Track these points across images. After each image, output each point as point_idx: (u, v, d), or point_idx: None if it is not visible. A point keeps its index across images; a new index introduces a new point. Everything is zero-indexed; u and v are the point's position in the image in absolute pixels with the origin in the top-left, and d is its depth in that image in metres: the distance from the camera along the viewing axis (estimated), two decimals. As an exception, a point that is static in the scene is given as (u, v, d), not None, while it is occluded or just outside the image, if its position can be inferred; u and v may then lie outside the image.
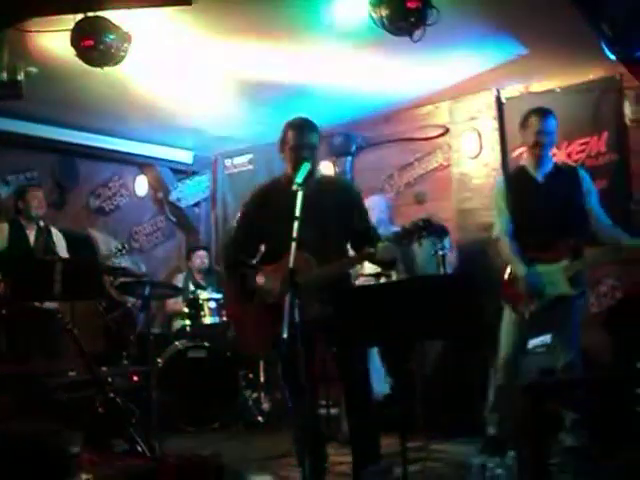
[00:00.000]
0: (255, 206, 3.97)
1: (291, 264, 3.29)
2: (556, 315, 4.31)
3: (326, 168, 6.79)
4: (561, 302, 4.24)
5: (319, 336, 3.58)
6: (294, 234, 3.33)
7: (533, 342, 4.67)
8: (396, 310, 3.00)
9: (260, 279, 3.74)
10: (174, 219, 8.06)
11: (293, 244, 3.33)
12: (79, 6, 3.68)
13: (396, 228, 5.44)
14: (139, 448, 4.31)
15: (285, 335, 3.17)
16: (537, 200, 4.36)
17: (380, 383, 5.06)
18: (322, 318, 3.45)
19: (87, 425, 4.34)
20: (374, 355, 5.09)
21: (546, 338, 4.60)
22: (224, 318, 6.18)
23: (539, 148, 4.37)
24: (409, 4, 3.46)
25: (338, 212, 3.74)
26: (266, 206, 3.85)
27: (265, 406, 5.95)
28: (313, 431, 3.72)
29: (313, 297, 3.50)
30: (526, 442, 2.94)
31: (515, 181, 4.52)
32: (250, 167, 7.81)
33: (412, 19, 3.51)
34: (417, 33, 3.62)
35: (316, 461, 3.70)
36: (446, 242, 5.38)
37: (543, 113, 4.44)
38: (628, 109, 5.51)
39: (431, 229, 3.37)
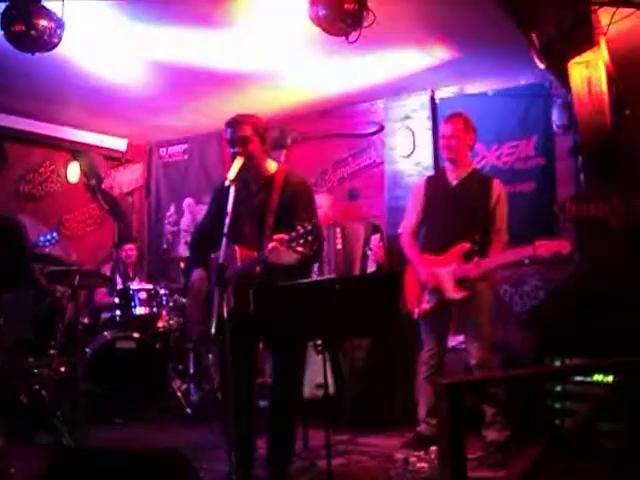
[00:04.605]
0: (213, 197, 4.00)
1: (221, 259, 3.34)
2: (460, 315, 4.45)
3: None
4: (456, 304, 4.36)
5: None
6: (225, 229, 3.38)
7: (457, 339, 4.81)
8: (314, 309, 3.07)
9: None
10: (106, 207, 7.93)
11: (224, 239, 3.38)
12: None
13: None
14: (64, 440, 4.27)
15: (213, 330, 3.22)
16: (446, 204, 4.50)
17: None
18: (239, 314, 3.50)
19: (10, 417, 4.27)
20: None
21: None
22: (154, 309, 6.13)
23: (444, 151, 4.56)
24: (346, 6, 3.50)
25: (280, 208, 3.71)
26: (215, 201, 3.88)
27: (194, 398, 5.93)
28: (243, 423, 3.67)
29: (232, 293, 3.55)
30: (446, 437, 3.02)
31: (433, 183, 4.67)
32: (184, 157, 7.82)
33: (349, 20, 3.55)
34: (353, 34, 3.67)
35: (245, 453, 3.71)
36: (373, 239, 5.50)
37: (445, 118, 4.62)
38: (555, 115, 5.69)
39: (316, 234, 3.35)
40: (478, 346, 4.34)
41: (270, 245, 3.41)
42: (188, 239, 7.52)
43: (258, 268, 3.60)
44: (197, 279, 3.82)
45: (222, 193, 3.63)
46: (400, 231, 4.71)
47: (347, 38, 3.67)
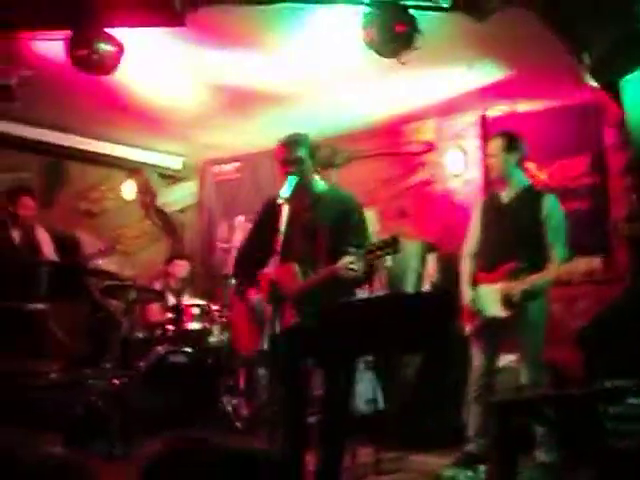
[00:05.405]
0: (259, 217, 4.02)
1: (274, 276, 3.41)
2: (511, 334, 4.40)
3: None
4: (506, 322, 4.30)
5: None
6: (277, 247, 3.43)
7: (507, 358, 4.78)
8: (373, 325, 3.10)
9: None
10: (160, 224, 8.11)
11: (277, 257, 3.43)
12: (73, 23, 3.74)
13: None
14: (117, 452, 4.36)
15: (266, 346, 3.27)
16: (497, 222, 4.48)
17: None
18: (302, 331, 3.55)
19: (65, 427, 4.38)
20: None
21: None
22: (206, 324, 6.22)
23: (489, 170, 4.62)
24: (397, 28, 3.55)
25: (331, 227, 3.70)
26: (266, 219, 3.86)
27: (244, 412, 5.99)
28: (297, 441, 3.71)
29: (295, 309, 3.60)
30: (496, 457, 3.03)
31: (488, 203, 4.66)
32: (237, 175, 7.93)
33: (400, 42, 3.60)
34: (404, 55, 3.72)
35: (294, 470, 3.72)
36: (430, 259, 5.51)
37: (491, 138, 4.64)
38: (608, 133, 5.63)
39: (397, 247, 3.37)
40: (529, 365, 4.30)
41: (346, 259, 3.41)
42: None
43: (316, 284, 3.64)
44: (248, 297, 3.88)
45: (273, 212, 3.68)
46: (463, 254, 4.68)
47: (398, 59, 3.72)
